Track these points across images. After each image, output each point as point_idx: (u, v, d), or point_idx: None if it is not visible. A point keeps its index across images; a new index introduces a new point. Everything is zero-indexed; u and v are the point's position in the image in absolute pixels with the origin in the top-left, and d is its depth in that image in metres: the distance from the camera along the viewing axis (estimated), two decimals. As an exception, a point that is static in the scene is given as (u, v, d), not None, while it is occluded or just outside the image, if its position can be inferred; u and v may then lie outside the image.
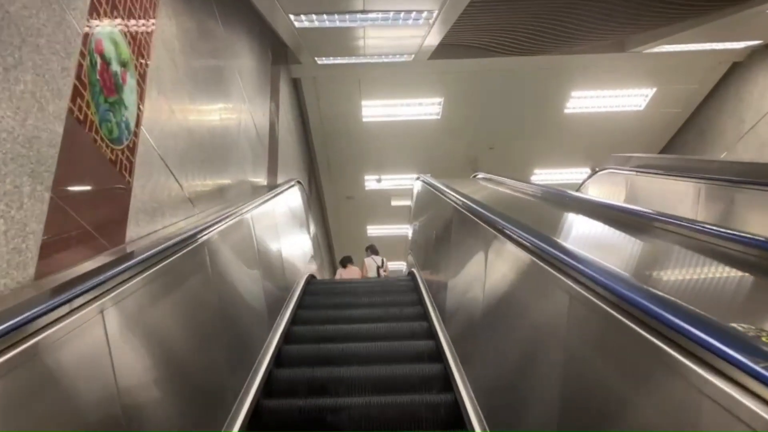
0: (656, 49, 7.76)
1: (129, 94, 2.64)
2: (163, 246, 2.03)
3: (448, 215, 3.85)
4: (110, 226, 2.40)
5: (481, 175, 6.40)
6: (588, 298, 1.33)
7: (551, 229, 2.82)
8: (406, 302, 4.54)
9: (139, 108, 2.75)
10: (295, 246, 5.45)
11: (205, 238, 2.46)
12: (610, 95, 9.12)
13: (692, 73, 8.64)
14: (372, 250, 8.63)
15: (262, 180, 6.03)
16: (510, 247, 2.10)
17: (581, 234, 2.61)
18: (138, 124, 2.73)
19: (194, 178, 3.58)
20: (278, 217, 4.58)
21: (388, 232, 14.10)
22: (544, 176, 11.79)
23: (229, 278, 2.83)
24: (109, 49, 2.45)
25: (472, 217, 2.89)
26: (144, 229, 2.72)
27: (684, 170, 4.53)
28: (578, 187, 7.15)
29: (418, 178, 6.43)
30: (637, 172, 5.46)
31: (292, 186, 6.31)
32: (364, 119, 9.44)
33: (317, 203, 12.21)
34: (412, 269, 5.94)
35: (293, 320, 4.17)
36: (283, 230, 4.78)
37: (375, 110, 9.26)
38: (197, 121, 3.74)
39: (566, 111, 9.50)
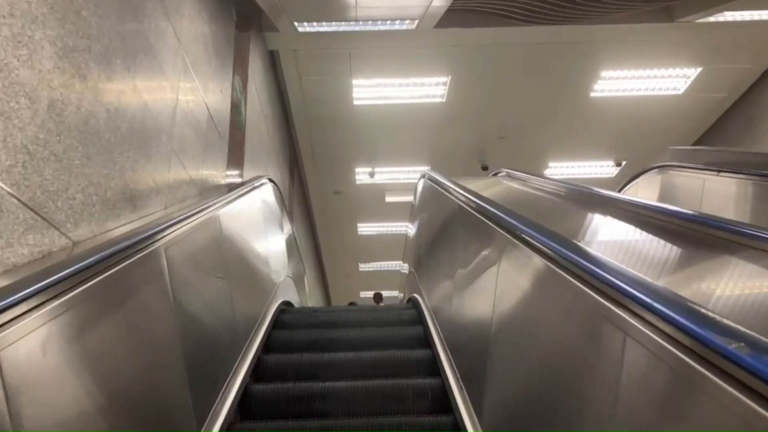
0: (712, 18, 6.36)
1: None
2: None
3: (479, 240, 2.49)
4: None
5: (504, 173, 5.00)
6: None
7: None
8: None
9: None
10: (258, 268, 4.04)
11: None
12: (646, 76, 7.69)
13: (746, 49, 7.21)
14: (377, 298, 10.09)
15: (217, 176, 4.60)
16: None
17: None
18: None
19: (67, 186, 2.16)
20: (227, 237, 3.15)
21: (382, 230, 12.69)
22: (559, 170, 10.41)
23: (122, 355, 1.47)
24: None
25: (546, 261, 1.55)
26: None
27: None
28: (620, 189, 5.78)
29: (423, 176, 5.02)
30: (718, 171, 4.08)
31: (262, 184, 4.87)
32: (356, 102, 7.98)
33: (301, 200, 10.77)
34: (415, 295, 4.56)
35: (254, 371, 3.09)
36: (237, 252, 3.37)
37: (368, 91, 7.78)
38: (78, 95, 2.30)
39: (593, 94, 8.08)
